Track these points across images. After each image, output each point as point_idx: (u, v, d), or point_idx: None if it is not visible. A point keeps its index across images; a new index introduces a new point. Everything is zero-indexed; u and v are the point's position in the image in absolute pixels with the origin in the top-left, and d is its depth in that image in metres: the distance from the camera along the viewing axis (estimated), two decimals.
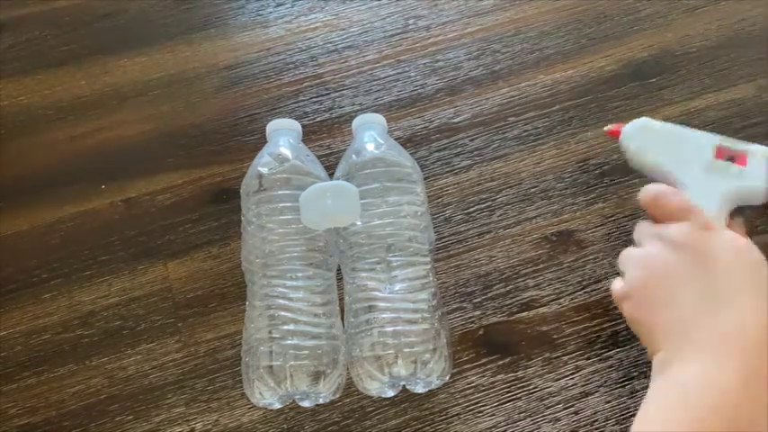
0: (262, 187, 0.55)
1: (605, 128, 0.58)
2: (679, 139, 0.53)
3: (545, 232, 0.60)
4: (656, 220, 0.50)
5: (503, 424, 0.53)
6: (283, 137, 0.59)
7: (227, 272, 0.59)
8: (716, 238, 0.46)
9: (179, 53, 0.72)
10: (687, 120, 0.66)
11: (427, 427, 0.53)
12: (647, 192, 0.51)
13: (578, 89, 0.68)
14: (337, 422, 0.53)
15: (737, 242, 0.47)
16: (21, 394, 0.55)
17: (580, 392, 0.53)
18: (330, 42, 0.72)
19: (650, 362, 0.49)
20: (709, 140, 0.52)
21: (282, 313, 0.51)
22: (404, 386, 0.52)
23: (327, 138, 0.66)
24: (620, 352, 0.55)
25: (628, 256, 0.50)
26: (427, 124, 0.67)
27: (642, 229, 0.51)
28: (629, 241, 0.53)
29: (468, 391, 0.54)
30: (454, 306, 0.57)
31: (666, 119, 0.66)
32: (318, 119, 0.67)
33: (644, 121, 0.55)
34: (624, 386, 0.54)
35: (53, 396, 0.55)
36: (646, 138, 0.55)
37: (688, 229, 0.47)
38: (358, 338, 0.51)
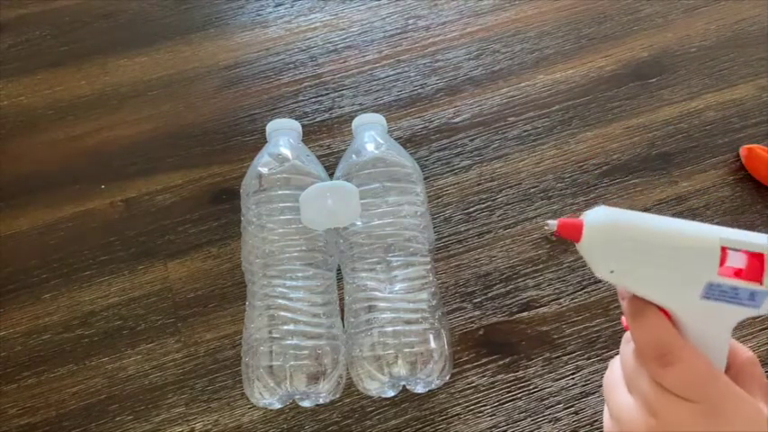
0: (262, 187, 0.55)
1: (546, 226, 0.34)
2: (671, 242, 0.32)
3: (545, 232, 0.60)
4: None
5: (503, 424, 0.53)
6: (283, 137, 0.59)
7: (227, 272, 0.59)
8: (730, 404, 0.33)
9: (179, 53, 0.72)
10: (687, 119, 0.66)
11: (427, 427, 0.53)
12: (639, 329, 0.34)
13: (578, 89, 0.68)
14: (337, 422, 0.53)
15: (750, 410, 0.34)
16: (21, 394, 0.55)
17: (580, 392, 0.53)
18: (330, 42, 0.72)
19: None
20: (711, 237, 0.32)
21: (282, 313, 0.51)
22: (404, 386, 0.52)
23: (327, 138, 0.66)
24: None
25: (620, 409, 0.36)
26: (427, 124, 0.67)
27: (633, 374, 0.36)
28: None
29: (468, 391, 0.54)
30: (454, 306, 0.57)
31: (666, 119, 0.67)
32: (318, 119, 0.67)
33: (605, 213, 0.33)
34: None
35: (53, 396, 0.55)
36: (617, 244, 0.33)
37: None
38: (358, 338, 0.51)
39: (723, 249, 0.31)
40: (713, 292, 0.32)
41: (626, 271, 0.33)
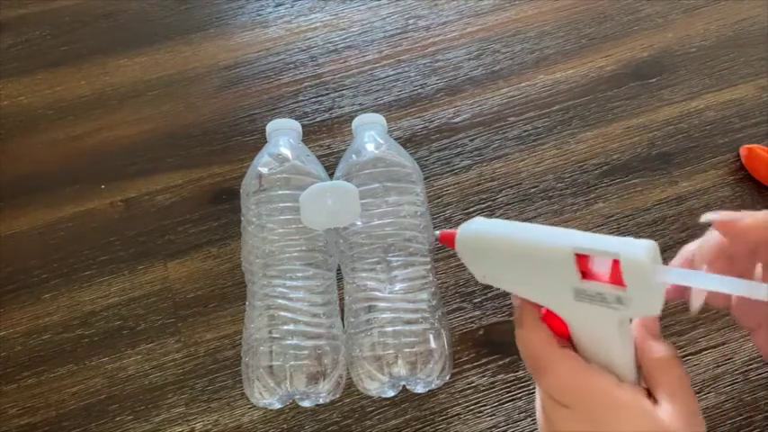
0: (262, 187, 0.55)
1: (435, 233, 0.40)
2: (527, 252, 0.34)
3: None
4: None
5: (503, 424, 0.53)
6: (283, 137, 0.59)
7: (227, 272, 0.59)
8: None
9: (179, 53, 0.72)
10: (687, 119, 0.66)
11: (427, 427, 0.53)
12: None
13: (578, 89, 0.68)
14: (337, 422, 0.53)
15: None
16: (21, 394, 0.55)
17: None
18: (330, 42, 0.72)
19: None
20: (565, 246, 0.32)
21: (282, 313, 0.51)
22: (404, 386, 0.52)
23: (327, 138, 0.66)
24: None
25: (536, 410, 0.38)
26: (427, 124, 0.67)
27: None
28: None
29: (468, 391, 0.54)
30: (454, 306, 0.57)
31: (666, 119, 0.67)
32: (318, 119, 0.67)
33: (475, 226, 0.37)
34: None
35: (53, 396, 0.55)
36: (482, 252, 0.36)
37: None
38: (358, 338, 0.51)
39: (580, 256, 0.32)
40: (582, 296, 0.32)
41: (497, 276, 0.36)
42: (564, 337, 0.36)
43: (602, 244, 0.31)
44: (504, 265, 0.36)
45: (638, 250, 0.30)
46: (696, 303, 0.33)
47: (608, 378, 0.34)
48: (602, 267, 0.32)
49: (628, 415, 0.33)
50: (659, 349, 0.35)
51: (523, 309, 0.36)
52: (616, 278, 0.31)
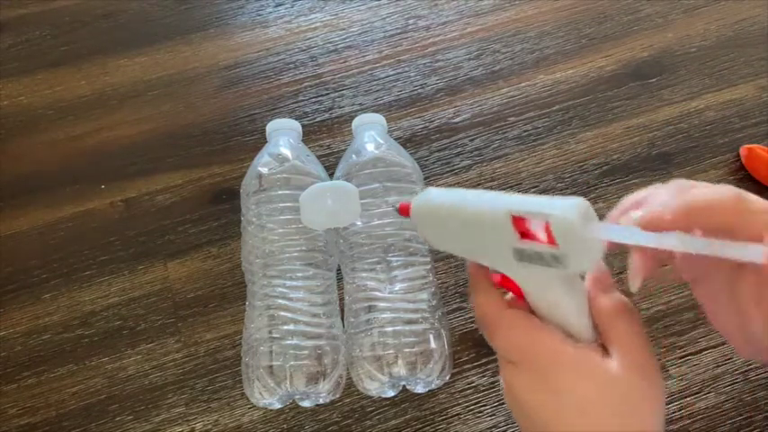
0: (262, 187, 0.55)
1: (395, 205, 0.42)
2: (469, 217, 0.36)
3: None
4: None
5: (503, 424, 0.53)
6: (283, 137, 0.59)
7: (227, 272, 0.59)
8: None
9: (179, 53, 0.72)
10: (687, 119, 0.66)
11: (427, 427, 0.53)
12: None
13: (578, 89, 0.68)
14: (337, 422, 0.53)
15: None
16: (21, 394, 0.55)
17: None
18: (330, 42, 0.72)
19: None
20: (501, 209, 0.34)
21: (282, 313, 0.51)
22: (404, 386, 0.52)
23: (327, 138, 0.66)
24: None
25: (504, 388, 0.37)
26: (427, 124, 0.67)
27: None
28: None
29: (468, 391, 0.54)
30: (454, 306, 0.57)
31: (666, 119, 0.67)
32: (318, 119, 0.67)
33: (426, 196, 0.38)
34: None
35: (53, 396, 0.55)
36: (433, 220, 0.38)
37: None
38: (358, 338, 0.51)
39: (515, 218, 0.33)
40: (523, 257, 0.33)
41: (448, 243, 0.38)
42: (522, 300, 0.36)
43: (534, 205, 0.32)
44: (452, 231, 0.37)
45: (567, 209, 0.31)
46: (635, 279, 0.34)
47: (554, 334, 0.34)
48: (538, 227, 0.33)
49: (572, 369, 0.33)
50: (607, 302, 0.35)
51: (474, 274, 0.38)
52: (550, 237, 0.32)
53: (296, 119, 0.64)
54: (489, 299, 0.37)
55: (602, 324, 0.35)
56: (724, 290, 0.34)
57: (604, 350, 0.34)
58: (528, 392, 0.35)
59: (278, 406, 0.51)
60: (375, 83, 0.69)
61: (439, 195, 0.38)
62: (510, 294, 0.37)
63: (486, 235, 0.35)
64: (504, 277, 0.36)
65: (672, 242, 0.30)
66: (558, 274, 0.33)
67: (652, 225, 0.31)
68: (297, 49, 0.72)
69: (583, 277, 0.35)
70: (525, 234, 0.33)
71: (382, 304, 0.51)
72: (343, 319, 0.53)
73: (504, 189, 0.63)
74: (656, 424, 0.33)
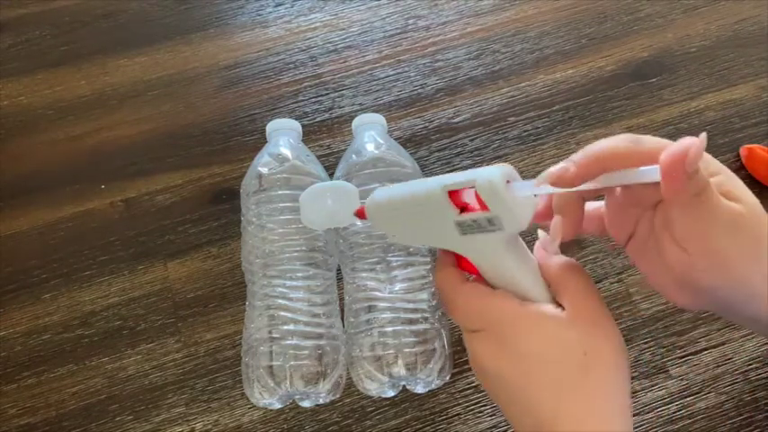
0: (262, 187, 0.55)
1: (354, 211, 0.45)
2: (412, 204, 0.38)
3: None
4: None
5: (503, 424, 0.53)
6: (283, 137, 0.59)
7: (227, 272, 0.59)
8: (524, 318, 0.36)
9: (179, 53, 0.72)
10: (687, 119, 0.66)
11: (427, 427, 0.53)
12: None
13: (578, 89, 0.68)
14: (337, 422, 0.53)
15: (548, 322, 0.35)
16: (21, 394, 0.55)
17: None
18: (330, 42, 0.72)
19: (650, 361, 0.49)
20: (437, 188, 0.36)
21: (282, 313, 0.51)
22: (404, 386, 0.52)
23: (327, 138, 0.66)
24: None
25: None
26: (427, 124, 0.67)
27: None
28: None
29: (468, 391, 0.54)
30: None
31: (666, 119, 0.67)
32: (318, 119, 0.67)
33: (372, 197, 0.42)
34: None
35: (53, 396, 0.55)
36: (386, 217, 0.41)
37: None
38: (358, 338, 0.51)
39: (451, 193, 0.36)
40: (465, 229, 0.36)
41: (400, 234, 0.41)
42: (480, 278, 0.38)
43: (463, 176, 0.35)
44: (404, 222, 0.40)
45: (490, 173, 0.34)
46: (555, 240, 0.36)
47: (509, 297, 0.37)
48: (471, 197, 0.35)
49: (528, 326, 0.35)
50: (554, 262, 0.37)
51: (440, 257, 0.40)
52: (481, 203, 0.34)
53: (296, 119, 0.64)
54: (447, 274, 0.39)
55: (552, 283, 0.37)
56: (648, 240, 0.36)
57: (560, 307, 0.36)
58: (492, 359, 0.36)
59: (278, 406, 0.51)
60: (375, 83, 0.69)
61: (384, 192, 0.41)
62: (473, 277, 0.39)
63: (431, 217, 0.37)
64: (460, 259, 0.39)
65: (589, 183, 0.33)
66: (500, 239, 0.35)
67: (561, 180, 0.34)
68: (297, 49, 0.72)
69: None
70: (463, 208, 0.36)
71: (382, 304, 0.51)
72: (343, 319, 0.54)
73: None
74: (620, 360, 0.35)
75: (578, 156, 0.34)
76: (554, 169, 0.34)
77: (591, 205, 0.39)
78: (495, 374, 0.37)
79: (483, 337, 0.37)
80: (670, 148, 0.30)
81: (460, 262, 0.39)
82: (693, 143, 0.30)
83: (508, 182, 0.34)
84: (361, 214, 0.43)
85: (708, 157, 0.34)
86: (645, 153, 0.32)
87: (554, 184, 0.34)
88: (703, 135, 0.30)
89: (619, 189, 0.36)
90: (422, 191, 0.37)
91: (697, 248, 0.33)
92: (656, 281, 0.37)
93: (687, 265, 0.33)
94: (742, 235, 0.33)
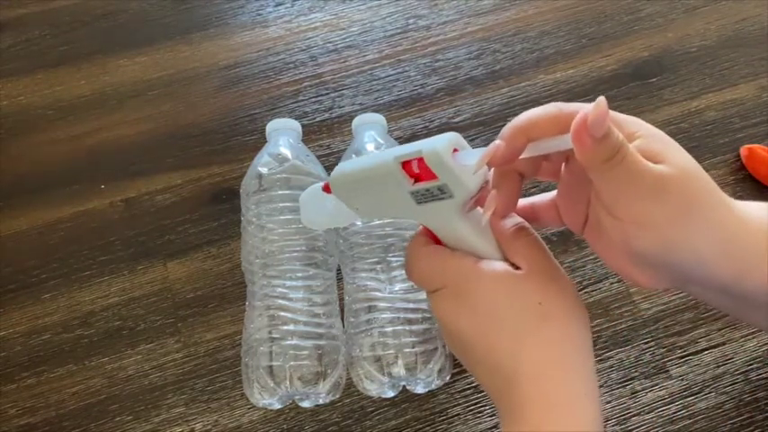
0: (261, 187, 0.55)
1: (320, 184, 0.45)
2: (370, 176, 0.39)
3: (545, 232, 0.60)
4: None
5: None
6: (283, 137, 0.59)
7: (227, 272, 0.59)
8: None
9: (179, 53, 0.72)
10: (687, 119, 0.66)
11: (427, 428, 0.53)
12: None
13: (578, 89, 0.68)
14: (337, 422, 0.53)
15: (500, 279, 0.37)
16: (20, 394, 0.55)
17: None
18: (330, 42, 0.72)
19: (650, 361, 0.49)
20: (390, 159, 0.37)
21: (282, 313, 0.50)
22: (404, 386, 0.51)
23: (327, 138, 0.66)
24: (621, 352, 0.55)
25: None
26: (427, 124, 0.67)
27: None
28: None
29: (468, 392, 0.54)
30: None
31: (667, 119, 0.67)
32: (318, 119, 0.67)
33: (336, 170, 0.42)
34: (624, 386, 0.54)
35: (53, 396, 0.55)
36: (348, 189, 0.41)
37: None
38: (358, 338, 0.51)
39: (404, 164, 0.36)
40: (420, 198, 0.37)
41: (362, 207, 0.41)
42: (440, 244, 0.40)
43: (413, 147, 0.36)
44: (363, 195, 0.40)
45: (435, 142, 0.35)
46: (486, 212, 0.36)
47: (465, 256, 0.38)
48: (422, 168, 0.36)
49: (485, 281, 0.36)
50: (506, 224, 0.38)
51: (418, 233, 0.41)
52: (430, 172, 0.35)
53: (296, 119, 0.64)
54: (412, 243, 0.41)
55: (505, 243, 0.38)
56: (599, 222, 0.36)
57: (514, 267, 0.37)
58: (453, 316, 0.37)
59: (278, 406, 0.51)
60: (375, 83, 0.69)
61: (345, 166, 0.41)
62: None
63: (388, 189, 0.38)
64: (424, 228, 0.40)
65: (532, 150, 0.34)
66: (452, 205, 0.36)
67: (496, 159, 0.34)
68: (297, 49, 0.72)
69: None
70: (417, 178, 0.36)
71: (382, 304, 0.51)
72: (343, 319, 0.53)
73: None
74: (578, 312, 0.36)
75: (505, 130, 0.34)
76: (490, 148, 0.34)
77: (546, 196, 0.40)
78: (458, 334, 0.37)
79: (443, 295, 0.38)
80: (578, 115, 0.31)
81: (426, 231, 0.41)
82: (590, 108, 0.30)
83: (456, 150, 0.35)
84: (326, 189, 0.43)
85: (629, 119, 0.34)
86: (566, 120, 0.32)
87: (490, 164, 0.34)
88: (600, 98, 0.30)
89: (563, 169, 0.36)
90: (377, 163, 0.38)
91: (624, 214, 0.33)
92: (613, 263, 0.37)
93: (623, 233, 0.33)
94: (667, 197, 0.32)
